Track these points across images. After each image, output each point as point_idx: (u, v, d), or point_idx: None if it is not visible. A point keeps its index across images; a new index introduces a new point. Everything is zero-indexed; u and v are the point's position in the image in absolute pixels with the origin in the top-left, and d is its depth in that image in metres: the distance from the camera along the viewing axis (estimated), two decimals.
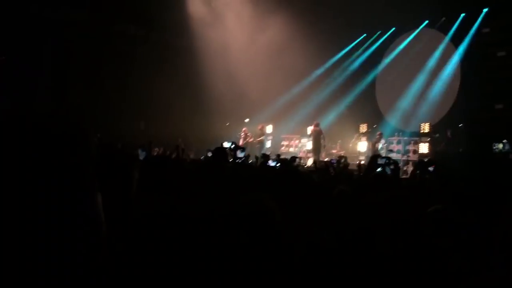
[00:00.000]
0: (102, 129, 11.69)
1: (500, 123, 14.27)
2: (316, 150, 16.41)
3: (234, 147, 6.30)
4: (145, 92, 16.93)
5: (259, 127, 17.59)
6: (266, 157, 6.21)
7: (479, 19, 16.01)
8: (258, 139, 17.33)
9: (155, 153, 8.48)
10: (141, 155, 6.17)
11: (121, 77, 16.77)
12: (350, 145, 17.67)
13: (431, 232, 2.17)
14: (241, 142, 16.89)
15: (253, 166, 6.89)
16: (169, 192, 2.41)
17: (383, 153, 15.00)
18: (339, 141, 18.25)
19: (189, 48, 18.01)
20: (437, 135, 14.61)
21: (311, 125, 17.87)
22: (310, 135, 17.10)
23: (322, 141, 16.55)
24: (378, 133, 15.65)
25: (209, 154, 6.83)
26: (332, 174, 7.41)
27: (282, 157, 11.66)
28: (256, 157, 8.04)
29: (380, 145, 15.25)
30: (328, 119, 19.11)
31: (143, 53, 17.50)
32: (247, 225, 1.51)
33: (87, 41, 15.89)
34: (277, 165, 6.15)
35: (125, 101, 16.55)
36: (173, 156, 6.93)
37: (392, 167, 5.70)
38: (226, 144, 6.39)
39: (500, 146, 12.75)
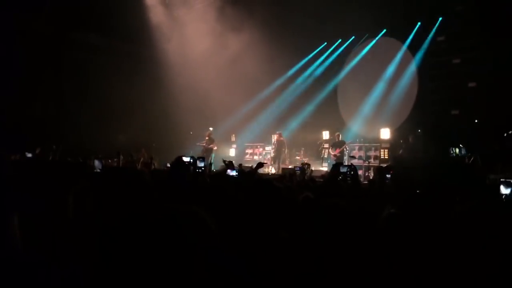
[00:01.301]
0: (63, 139, 11.41)
1: (456, 128, 14.69)
2: (277, 159, 16.72)
3: (193, 159, 6.28)
4: (107, 102, 16.61)
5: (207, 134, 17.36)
6: (230, 165, 6.15)
7: (435, 28, 16.53)
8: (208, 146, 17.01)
9: (116, 163, 8.33)
10: (98, 166, 6.04)
11: (82, 86, 16.40)
12: (314, 152, 17.87)
13: (385, 234, 2.22)
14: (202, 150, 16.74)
15: (211, 174, 6.88)
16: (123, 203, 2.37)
17: (345, 159, 15.28)
18: (303, 148, 18.42)
19: (151, 58, 17.82)
20: (401, 141, 14.94)
21: (274, 133, 18.02)
22: (273, 144, 17.27)
23: (284, 151, 16.85)
24: (341, 140, 15.87)
25: (168, 166, 6.77)
26: (297, 181, 7.47)
27: (246, 165, 11.71)
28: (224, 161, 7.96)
29: (346, 152, 15.51)
30: (291, 127, 19.28)
31: (104, 62, 17.17)
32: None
33: (45, 50, 15.49)
34: (236, 174, 6.14)
35: (86, 111, 16.19)
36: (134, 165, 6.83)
37: (352, 173, 5.81)
38: (186, 159, 6.34)
39: (457, 150, 13.12)
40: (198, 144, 17.19)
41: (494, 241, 1.59)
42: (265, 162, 17.83)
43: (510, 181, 5.68)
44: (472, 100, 14.97)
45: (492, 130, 13.28)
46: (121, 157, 7.56)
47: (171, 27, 17.91)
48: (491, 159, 11.10)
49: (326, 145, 17.03)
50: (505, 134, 12.50)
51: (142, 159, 10.74)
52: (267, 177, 11.54)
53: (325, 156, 16.88)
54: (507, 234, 1.58)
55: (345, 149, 15.59)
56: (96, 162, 6.07)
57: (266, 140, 19.24)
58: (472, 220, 1.69)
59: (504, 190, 5.66)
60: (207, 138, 17.07)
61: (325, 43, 19.95)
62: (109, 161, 9.91)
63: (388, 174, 6.26)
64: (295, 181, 7.42)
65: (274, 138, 17.81)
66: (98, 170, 5.79)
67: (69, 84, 15.97)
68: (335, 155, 15.38)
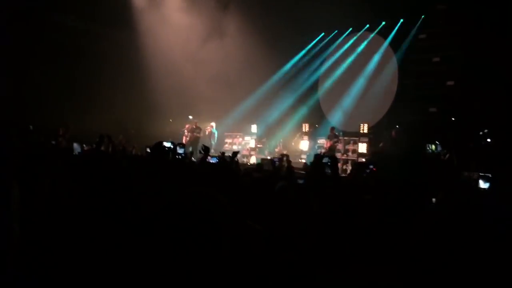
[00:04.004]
0: (41, 125, 11.21)
1: (433, 125, 14.92)
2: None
3: (173, 145, 6.24)
4: (86, 86, 16.34)
5: (194, 124, 17.39)
6: (206, 150, 6.09)
7: (416, 26, 16.70)
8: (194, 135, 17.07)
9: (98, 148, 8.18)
10: (76, 149, 5.97)
11: (61, 70, 16.05)
12: (293, 143, 17.92)
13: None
14: (184, 140, 16.73)
15: (193, 162, 6.86)
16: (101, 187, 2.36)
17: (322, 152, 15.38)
18: (281, 140, 18.46)
19: (132, 43, 17.55)
20: (381, 134, 15.11)
21: (254, 124, 18.08)
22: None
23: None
24: (334, 133, 15.91)
25: (148, 151, 6.72)
26: (274, 171, 7.50)
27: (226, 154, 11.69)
28: (198, 150, 7.95)
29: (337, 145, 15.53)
30: (270, 118, 19.32)
31: (83, 46, 16.85)
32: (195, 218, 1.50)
33: (24, 32, 15.09)
34: (216, 162, 6.14)
35: (65, 96, 15.85)
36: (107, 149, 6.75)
37: (331, 165, 5.86)
38: (166, 144, 6.31)
39: (433, 147, 13.34)
40: (182, 130, 17.19)
41: (468, 232, 1.64)
42: (243, 153, 17.96)
43: (488, 176, 5.83)
44: (450, 98, 15.21)
45: (468, 128, 13.52)
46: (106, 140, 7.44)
47: (154, 10, 17.66)
48: (466, 156, 11.32)
49: (305, 137, 17.12)
50: (480, 133, 12.75)
51: (120, 145, 10.63)
52: (246, 167, 11.58)
53: (304, 148, 16.97)
54: (482, 226, 1.62)
55: (336, 144, 15.61)
56: (75, 145, 5.98)
57: (245, 130, 19.24)
58: (447, 211, 1.73)
59: (482, 185, 5.81)
60: (194, 127, 17.12)
61: (308, 37, 19.98)
62: (88, 146, 9.77)
63: (367, 169, 6.36)
64: (272, 171, 7.46)
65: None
66: (77, 153, 5.73)
67: (46, 67, 15.59)
68: (326, 148, 15.43)
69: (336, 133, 15.64)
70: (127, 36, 17.66)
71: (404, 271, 1.89)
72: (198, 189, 1.60)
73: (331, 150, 15.03)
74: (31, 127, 9.10)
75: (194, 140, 16.69)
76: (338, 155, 15.16)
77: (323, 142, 16.23)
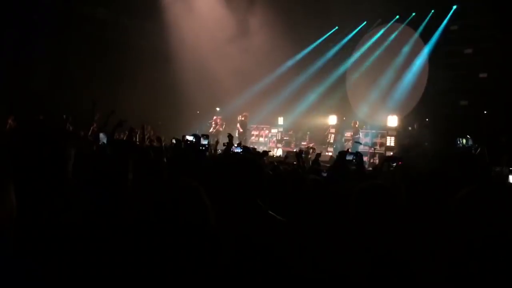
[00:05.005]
0: (69, 114, 11.41)
1: (464, 119, 14.61)
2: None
3: (196, 137, 6.29)
4: (114, 78, 16.55)
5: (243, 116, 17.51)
6: (230, 138, 6.05)
7: (448, 16, 16.31)
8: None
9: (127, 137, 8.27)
10: (102, 138, 6.04)
11: (89, 62, 16.30)
12: (320, 136, 17.85)
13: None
14: (210, 130, 16.87)
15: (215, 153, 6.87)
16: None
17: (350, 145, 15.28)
18: (308, 132, 18.37)
19: (159, 34, 17.66)
20: (410, 128, 14.90)
21: (281, 116, 18.05)
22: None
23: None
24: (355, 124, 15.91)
25: (174, 142, 6.77)
26: (301, 164, 7.45)
27: (252, 147, 11.72)
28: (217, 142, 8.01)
29: (358, 136, 15.53)
30: (298, 110, 19.23)
31: (111, 38, 17.04)
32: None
33: (54, 25, 15.36)
34: (241, 151, 6.14)
35: (93, 88, 16.09)
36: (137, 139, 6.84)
37: (356, 161, 5.81)
38: (189, 138, 6.36)
39: (464, 141, 13.07)
40: (220, 129, 17.33)
41: (494, 224, 1.60)
42: (270, 145, 17.98)
43: None
44: (482, 91, 14.83)
45: (500, 122, 13.18)
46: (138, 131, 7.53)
47: (181, 3, 17.72)
48: (498, 151, 11.03)
49: (333, 130, 16.99)
50: None
51: (147, 136, 10.75)
52: (273, 159, 11.56)
53: (331, 141, 16.85)
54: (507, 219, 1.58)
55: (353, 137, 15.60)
56: (101, 135, 6.06)
57: (272, 123, 19.21)
58: (474, 203, 1.69)
59: None
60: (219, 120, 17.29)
61: (337, 27, 19.75)
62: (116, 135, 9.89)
63: (394, 163, 6.26)
64: (299, 164, 7.41)
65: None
66: (103, 143, 5.81)
67: (76, 60, 15.87)
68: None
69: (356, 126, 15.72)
70: (155, 28, 17.78)
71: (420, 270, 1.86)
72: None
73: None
74: (64, 116, 9.29)
75: (218, 132, 16.84)
76: (366, 148, 15.02)
77: (349, 135, 16.13)
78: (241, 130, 17.25)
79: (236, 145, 6.74)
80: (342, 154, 5.66)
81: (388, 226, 2.05)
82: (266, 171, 2.93)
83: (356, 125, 15.94)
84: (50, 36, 15.23)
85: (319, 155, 7.21)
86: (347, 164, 5.40)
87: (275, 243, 2.12)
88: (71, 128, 8.73)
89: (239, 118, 17.69)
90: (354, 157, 5.68)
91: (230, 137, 5.92)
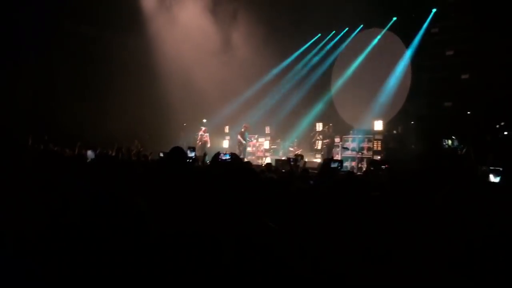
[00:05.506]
0: (56, 130, 11.36)
1: (449, 120, 14.74)
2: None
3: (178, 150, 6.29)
4: (99, 93, 16.49)
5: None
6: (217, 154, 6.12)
7: (428, 20, 16.52)
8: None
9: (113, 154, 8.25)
10: (90, 156, 6.01)
11: (74, 78, 16.24)
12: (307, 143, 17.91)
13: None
14: (198, 143, 16.85)
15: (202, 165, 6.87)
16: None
17: (338, 151, 15.38)
18: (295, 140, 18.43)
19: (144, 48, 17.65)
20: (394, 131, 15.00)
21: (267, 125, 18.07)
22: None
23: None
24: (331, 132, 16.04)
25: (161, 155, 6.75)
26: (289, 171, 7.48)
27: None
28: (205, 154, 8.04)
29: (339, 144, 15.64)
30: (284, 118, 19.31)
31: (96, 53, 17.00)
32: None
33: (38, 42, 15.28)
34: (229, 158, 6.13)
35: (79, 103, 16.01)
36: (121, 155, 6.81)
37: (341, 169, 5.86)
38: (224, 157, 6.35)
39: (450, 142, 13.19)
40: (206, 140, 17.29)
41: (474, 218, 1.62)
42: (257, 154, 17.98)
43: (498, 169, 5.73)
44: (465, 92, 14.99)
45: (485, 121, 13.33)
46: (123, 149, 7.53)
47: (164, 15, 17.75)
48: (483, 150, 11.15)
49: (320, 137, 17.06)
50: (497, 126, 12.57)
51: (135, 151, 10.71)
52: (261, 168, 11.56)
53: (319, 147, 16.91)
54: (488, 214, 1.60)
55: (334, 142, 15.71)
56: (89, 153, 6.03)
57: (259, 132, 19.23)
58: (454, 200, 1.72)
59: (493, 179, 5.72)
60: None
61: (319, 34, 19.90)
62: (104, 151, 9.86)
63: (383, 166, 6.31)
64: (287, 171, 7.43)
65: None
66: (90, 160, 5.77)
67: (61, 76, 15.81)
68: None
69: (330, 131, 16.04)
70: (138, 42, 17.77)
71: (409, 267, 1.87)
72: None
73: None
74: (45, 136, 9.22)
75: (204, 144, 16.81)
76: (353, 153, 15.15)
77: (338, 141, 16.20)
78: (243, 142, 17.07)
79: (224, 153, 6.74)
80: (327, 161, 5.72)
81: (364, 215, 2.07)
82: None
83: (330, 130, 16.07)
84: (35, 52, 15.15)
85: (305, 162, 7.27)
86: (332, 171, 5.45)
87: (270, 247, 2.13)
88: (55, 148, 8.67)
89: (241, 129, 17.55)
90: (339, 164, 5.73)
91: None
